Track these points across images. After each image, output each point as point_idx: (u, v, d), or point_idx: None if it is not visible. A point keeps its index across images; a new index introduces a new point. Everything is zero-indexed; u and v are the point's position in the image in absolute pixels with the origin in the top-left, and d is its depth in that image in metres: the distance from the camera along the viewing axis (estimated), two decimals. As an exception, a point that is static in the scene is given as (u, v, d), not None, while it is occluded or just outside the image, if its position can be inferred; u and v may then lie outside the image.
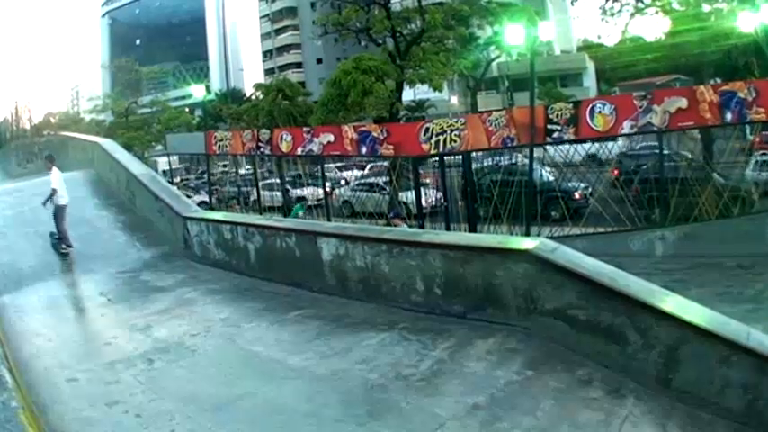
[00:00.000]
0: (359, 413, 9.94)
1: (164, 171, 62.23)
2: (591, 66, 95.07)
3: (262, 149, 39.29)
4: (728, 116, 26.60)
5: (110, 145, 30.88)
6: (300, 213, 27.37)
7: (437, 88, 53.83)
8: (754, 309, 20.16)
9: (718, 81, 41.66)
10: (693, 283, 22.18)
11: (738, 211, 27.60)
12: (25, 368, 12.22)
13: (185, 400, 10.72)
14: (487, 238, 17.06)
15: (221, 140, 42.62)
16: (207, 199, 51.78)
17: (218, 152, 43.66)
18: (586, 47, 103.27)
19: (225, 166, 63.61)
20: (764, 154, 33.17)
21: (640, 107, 27.04)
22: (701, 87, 27.74)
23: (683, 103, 26.73)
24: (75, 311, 17.07)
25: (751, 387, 10.68)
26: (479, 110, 57.71)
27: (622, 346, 11.12)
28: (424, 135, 30.91)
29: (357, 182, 48.08)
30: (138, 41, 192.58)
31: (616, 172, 35.36)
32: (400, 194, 38.21)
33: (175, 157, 66.09)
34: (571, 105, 28.56)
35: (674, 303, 11.17)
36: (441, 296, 13.25)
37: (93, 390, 11.27)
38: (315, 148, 35.57)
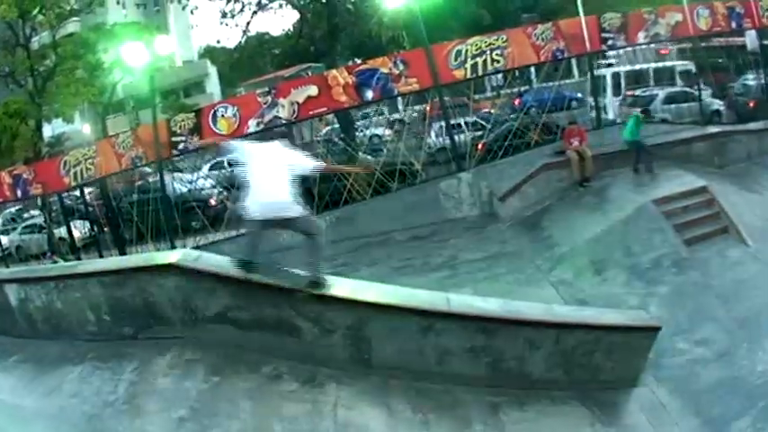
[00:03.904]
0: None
1: None
2: (213, 71, 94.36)
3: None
4: (369, 94, 27.48)
5: None
6: None
7: (68, 120, 53.02)
8: (451, 275, 21.05)
9: (358, 61, 42.21)
10: (362, 264, 22.75)
11: (398, 185, 28.12)
12: None
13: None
14: (134, 258, 17.11)
15: None
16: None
17: None
18: (208, 52, 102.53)
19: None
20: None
21: (265, 103, 27.34)
22: (333, 71, 28.38)
23: (313, 90, 27.21)
24: None
25: (484, 350, 11.16)
26: (109, 134, 56.49)
27: (298, 337, 11.52)
28: (64, 168, 30.45)
29: (23, 225, 46.33)
30: None
31: None
32: (56, 231, 37.25)
33: None
34: (193, 114, 28.66)
35: (341, 287, 11.72)
36: (111, 322, 13.15)
37: None
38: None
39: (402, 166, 28.74)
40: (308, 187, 27.42)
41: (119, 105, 78.81)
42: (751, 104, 34.85)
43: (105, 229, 33.87)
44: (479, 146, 30.21)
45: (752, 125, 29.91)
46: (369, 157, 32.61)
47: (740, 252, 19.91)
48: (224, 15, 44.71)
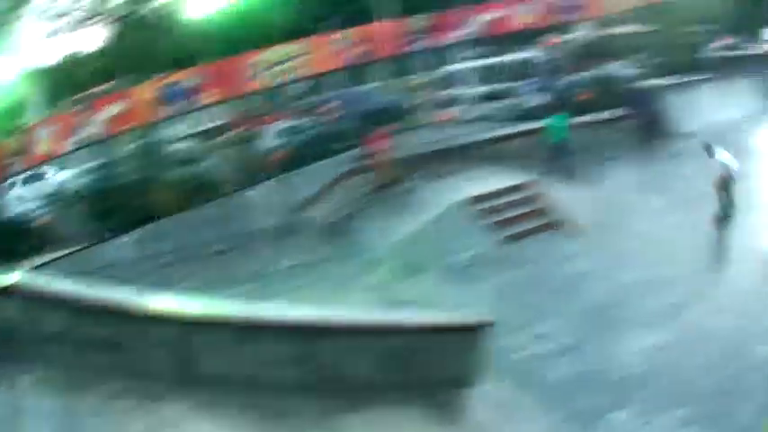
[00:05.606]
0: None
1: None
2: (37, 92, 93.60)
3: None
4: (173, 107, 27.78)
5: None
6: None
7: None
8: (264, 285, 20.96)
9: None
10: (172, 280, 22.19)
11: (203, 198, 28.09)
12: None
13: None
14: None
15: None
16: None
17: None
18: (32, 74, 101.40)
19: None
20: (246, 131, 33.20)
21: (80, 122, 27.06)
22: (139, 86, 28.30)
23: (122, 106, 27.09)
24: None
25: (305, 357, 11.08)
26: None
27: (127, 354, 11.08)
28: None
29: None
30: None
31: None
32: None
33: None
34: (15, 138, 28.32)
35: (159, 302, 11.77)
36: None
37: None
38: None
39: (207, 178, 28.57)
40: (113, 205, 26.99)
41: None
42: (581, 97, 34.84)
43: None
44: (279, 155, 30.29)
45: (578, 119, 29.96)
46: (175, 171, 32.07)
47: (571, 246, 20.11)
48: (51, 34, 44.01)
